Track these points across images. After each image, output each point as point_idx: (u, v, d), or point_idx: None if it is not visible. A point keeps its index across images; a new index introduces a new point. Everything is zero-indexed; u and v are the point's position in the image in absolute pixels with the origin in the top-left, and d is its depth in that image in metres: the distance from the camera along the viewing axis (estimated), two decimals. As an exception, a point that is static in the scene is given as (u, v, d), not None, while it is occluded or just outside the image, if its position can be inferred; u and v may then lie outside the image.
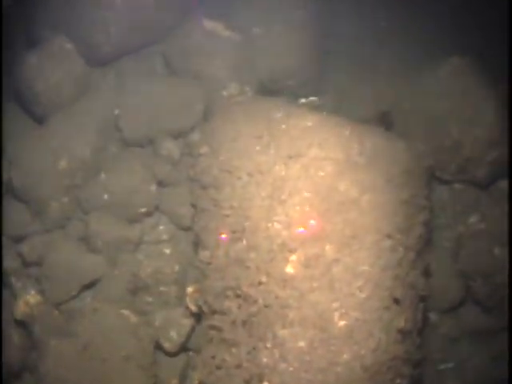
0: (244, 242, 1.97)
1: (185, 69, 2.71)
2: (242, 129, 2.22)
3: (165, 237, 2.42)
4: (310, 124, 2.14)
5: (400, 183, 2.14)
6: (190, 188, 2.38)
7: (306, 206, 1.90)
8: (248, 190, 2.04)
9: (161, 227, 2.45)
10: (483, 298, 2.50)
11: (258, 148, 2.16)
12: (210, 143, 2.32)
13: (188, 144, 2.66)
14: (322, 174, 1.95)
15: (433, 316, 2.50)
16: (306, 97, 2.94)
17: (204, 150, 2.35)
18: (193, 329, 2.32)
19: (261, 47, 2.72)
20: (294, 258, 1.84)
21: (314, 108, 2.91)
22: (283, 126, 2.16)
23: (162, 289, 2.33)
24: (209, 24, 2.94)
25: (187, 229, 2.45)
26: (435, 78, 2.75)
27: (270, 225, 1.91)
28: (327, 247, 1.85)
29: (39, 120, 2.65)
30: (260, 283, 1.88)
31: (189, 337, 2.33)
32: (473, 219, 2.50)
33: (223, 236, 1.93)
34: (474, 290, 2.52)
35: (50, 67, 2.58)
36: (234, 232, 2.01)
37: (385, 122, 2.90)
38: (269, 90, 2.89)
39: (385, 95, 2.92)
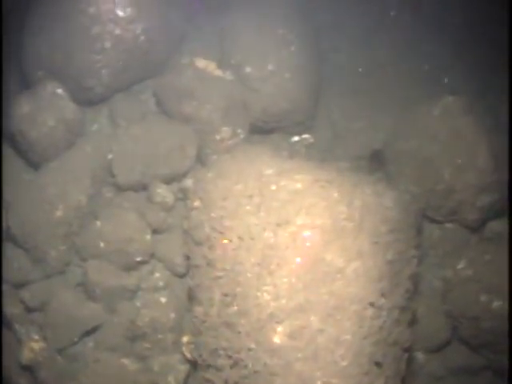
0: (235, 307, 2.07)
1: (177, 110, 2.72)
2: (233, 187, 2.26)
3: (161, 284, 2.53)
4: (299, 186, 2.18)
5: (387, 242, 2.20)
6: (184, 239, 2.46)
7: (293, 277, 2.00)
8: (239, 254, 2.12)
9: (156, 274, 2.55)
10: (469, 338, 2.60)
11: (248, 208, 2.21)
12: (202, 198, 2.37)
13: (182, 189, 2.76)
14: (308, 244, 2.03)
15: (419, 355, 2.60)
16: (300, 134, 2.97)
17: (196, 203, 2.41)
18: (189, 374, 2.49)
19: (253, 88, 2.72)
20: (280, 329, 1.93)
21: (307, 146, 3.00)
22: (273, 187, 2.21)
23: (159, 336, 2.46)
24: (200, 63, 2.94)
25: (182, 275, 2.56)
26: (429, 118, 2.75)
27: (259, 294, 2.00)
28: (312, 318, 1.94)
29: (35, 166, 2.72)
30: (250, 349, 1.99)
31: (186, 382, 2.47)
32: (461, 265, 2.57)
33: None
34: (460, 330, 2.64)
35: (41, 116, 2.62)
36: (225, 295, 2.11)
37: (377, 160, 2.95)
38: (261, 129, 2.95)
39: (378, 133, 2.96)
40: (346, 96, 3.05)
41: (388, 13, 3.53)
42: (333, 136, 2.91)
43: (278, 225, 2.09)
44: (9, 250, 2.64)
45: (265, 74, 2.73)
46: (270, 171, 2.30)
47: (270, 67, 2.74)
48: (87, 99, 2.80)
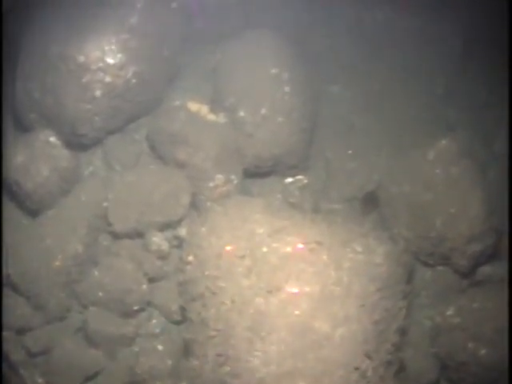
0: (228, 367, 2.16)
1: (170, 156, 2.75)
2: (225, 245, 2.34)
3: (157, 330, 2.61)
4: (289, 250, 2.25)
5: (375, 302, 2.28)
6: (180, 291, 2.54)
7: (283, 345, 2.09)
8: (231, 316, 2.21)
9: (153, 321, 2.64)
10: (456, 379, 2.68)
11: (240, 270, 2.28)
12: (196, 254, 2.44)
13: (176, 237, 2.82)
14: (297, 312, 2.11)
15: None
16: (294, 176, 2.98)
17: (191, 258, 2.48)
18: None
19: (247, 133, 2.73)
20: (271, 395, 2.08)
21: (301, 188, 3.02)
22: (264, 249, 2.27)
23: (157, 383, 2.58)
24: (193, 106, 2.94)
25: (178, 323, 2.65)
26: (424, 162, 2.75)
27: (250, 358, 2.10)
28: (300, 383, 2.08)
29: (33, 214, 2.76)
30: (241, 409, 2.14)
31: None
32: (450, 312, 2.62)
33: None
34: (448, 372, 2.71)
35: (36, 166, 2.65)
36: (219, 355, 2.21)
37: (370, 202, 2.98)
38: (255, 173, 2.96)
39: (372, 174, 2.96)
40: (340, 133, 3.03)
41: (385, 39, 3.65)
42: (327, 176, 2.90)
43: (269, 291, 2.17)
44: (10, 296, 2.73)
45: (258, 119, 2.73)
46: (261, 230, 2.36)
47: (263, 111, 2.74)
48: (81, 144, 2.82)
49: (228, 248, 2.28)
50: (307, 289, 2.16)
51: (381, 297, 2.29)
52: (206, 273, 2.35)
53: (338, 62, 3.31)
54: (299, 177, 2.92)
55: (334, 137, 3.00)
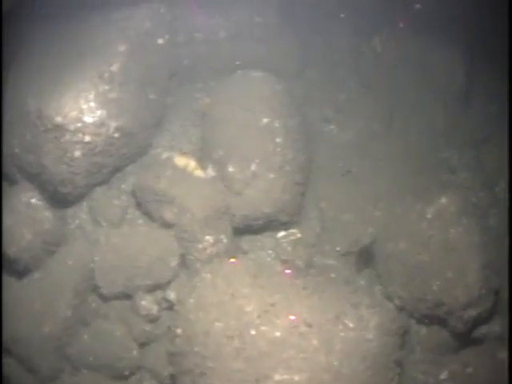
0: None
1: (157, 215, 2.62)
2: (214, 323, 2.24)
3: (149, 394, 2.74)
4: (278, 334, 2.16)
5: (364, 380, 2.23)
6: (170, 360, 2.48)
7: None
8: (220, 400, 2.22)
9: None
10: None
11: (228, 350, 2.21)
12: (185, 328, 2.34)
13: (165, 300, 2.75)
14: (287, 405, 2.09)
15: None
16: (286, 229, 2.86)
17: (179, 331, 2.39)
18: None
19: (236, 191, 2.60)
20: None
21: (294, 242, 2.90)
22: (253, 332, 2.18)
23: None
24: (180, 161, 2.79)
25: (169, 386, 2.77)
26: (421, 220, 2.62)
27: None
28: None
29: (20, 276, 2.67)
30: None
31: None
32: (443, 376, 2.55)
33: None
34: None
35: (19, 230, 2.56)
36: None
37: (365, 256, 2.88)
38: (246, 231, 2.85)
39: (368, 227, 2.84)
40: (336, 180, 2.90)
41: (384, 71, 3.41)
42: (321, 229, 2.78)
43: (257, 380, 2.12)
44: (3, 357, 2.73)
45: (247, 176, 2.58)
46: (250, 307, 2.26)
47: (253, 167, 2.59)
48: (65, 200, 2.71)
49: (216, 324, 2.22)
50: (296, 377, 2.10)
51: (371, 373, 2.23)
52: (195, 349, 2.28)
53: (334, 97, 3.16)
54: (292, 230, 2.78)
55: (328, 184, 2.87)
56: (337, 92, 3.20)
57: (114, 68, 2.70)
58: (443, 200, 2.58)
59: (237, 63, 3.15)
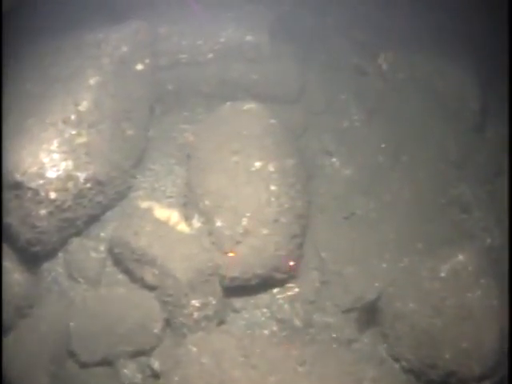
0: None
1: (138, 276, 2.29)
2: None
3: None
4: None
5: None
6: None
7: None
8: None
9: None
10: None
11: None
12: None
13: (150, 367, 2.45)
14: None
15: None
16: (282, 285, 2.52)
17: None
18: None
19: (224, 250, 2.24)
20: None
21: (291, 298, 2.58)
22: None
23: None
24: (162, 213, 2.44)
25: None
26: (434, 279, 2.27)
27: None
28: None
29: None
30: None
31: None
32: None
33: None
34: None
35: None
36: None
37: (369, 313, 2.59)
38: (238, 290, 2.57)
39: (373, 282, 2.48)
40: (337, 225, 2.56)
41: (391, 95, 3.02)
42: (320, 283, 2.43)
43: None
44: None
45: (238, 233, 2.23)
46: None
47: (244, 222, 2.24)
48: (36, 258, 2.37)
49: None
50: None
51: None
52: None
53: (335, 126, 2.82)
54: (289, 285, 2.44)
55: (330, 229, 2.52)
56: (338, 120, 2.85)
57: (83, 107, 2.34)
58: (460, 258, 2.23)
59: (226, 88, 2.82)
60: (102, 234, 2.55)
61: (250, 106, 2.56)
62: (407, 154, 2.75)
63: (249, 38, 2.81)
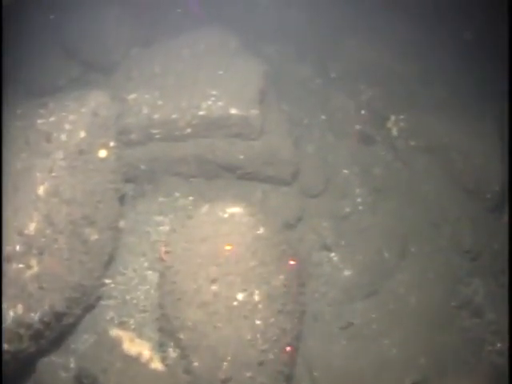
0: None
1: None
2: None
3: None
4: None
5: None
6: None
7: None
8: None
9: None
10: None
11: None
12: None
13: None
14: None
15: None
16: None
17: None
18: None
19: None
20: None
21: None
22: None
23: None
24: (132, 347, 1.96)
25: None
26: None
27: None
28: None
29: None
30: None
31: None
32: None
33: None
34: None
35: None
36: None
37: None
38: None
39: None
40: (332, 338, 2.17)
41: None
42: None
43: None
44: None
45: (218, 378, 1.82)
46: None
47: (224, 366, 1.80)
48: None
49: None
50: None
51: None
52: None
53: (335, 211, 2.37)
54: None
55: (324, 342, 2.14)
56: (339, 203, 2.41)
57: (30, 231, 1.88)
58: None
59: (208, 168, 2.35)
60: (73, 346, 2.27)
61: (233, 210, 2.14)
62: (417, 244, 2.34)
63: (234, 111, 2.27)
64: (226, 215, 2.06)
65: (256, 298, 1.98)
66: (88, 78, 2.81)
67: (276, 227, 2.19)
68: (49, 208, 1.98)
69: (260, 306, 1.98)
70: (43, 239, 1.94)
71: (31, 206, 1.95)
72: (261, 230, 2.08)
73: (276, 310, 2.02)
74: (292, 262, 2.00)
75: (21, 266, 1.87)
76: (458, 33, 2.80)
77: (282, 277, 2.06)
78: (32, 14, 2.83)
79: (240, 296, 1.97)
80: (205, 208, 2.12)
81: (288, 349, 2.00)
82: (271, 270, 2.04)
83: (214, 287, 1.96)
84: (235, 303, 1.96)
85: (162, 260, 2.10)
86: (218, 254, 2.00)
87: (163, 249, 2.11)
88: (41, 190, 1.97)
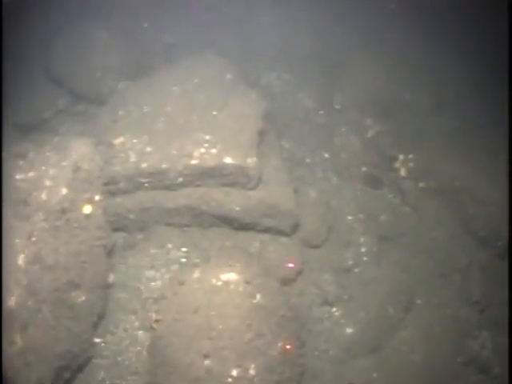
0: None
1: None
2: None
3: None
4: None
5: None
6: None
7: None
8: None
9: None
10: None
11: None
12: None
13: None
14: None
15: None
16: None
17: None
18: None
19: None
20: None
21: None
22: None
23: None
24: None
25: None
26: None
27: None
28: None
29: None
30: None
31: None
32: None
33: None
34: None
35: None
36: None
37: None
38: None
39: None
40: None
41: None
42: None
43: None
44: None
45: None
46: None
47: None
48: None
49: None
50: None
51: None
52: None
53: (338, 263, 2.21)
54: None
55: None
56: (342, 254, 2.25)
57: (10, 305, 1.73)
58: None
59: (203, 219, 2.17)
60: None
61: (227, 277, 1.94)
62: (423, 295, 2.19)
63: (229, 160, 2.06)
64: (219, 283, 1.92)
65: (251, 372, 1.85)
66: (75, 109, 2.62)
67: (274, 288, 2.02)
68: (30, 277, 1.82)
69: (256, 379, 1.85)
70: (25, 311, 1.82)
71: (11, 277, 1.82)
72: (257, 298, 1.92)
73: (273, 381, 1.93)
74: (288, 347, 1.88)
75: (4, 342, 1.79)
76: (470, 57, 2.57)
77: (279, 344, 1.96)
78: (19, 36, 2.62)
79: (234, 372, 1.84)
80: (197, 273, 1.97)
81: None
82: (268, 340, 1.89)
83: (206, 362, 1.84)
84: (229, 380, 1.84)
85: (152, 328, 1.99)
86: (210, 327, 1.86)
87: (154, 316, 1.98)
88: (20, 260, 1.81)
